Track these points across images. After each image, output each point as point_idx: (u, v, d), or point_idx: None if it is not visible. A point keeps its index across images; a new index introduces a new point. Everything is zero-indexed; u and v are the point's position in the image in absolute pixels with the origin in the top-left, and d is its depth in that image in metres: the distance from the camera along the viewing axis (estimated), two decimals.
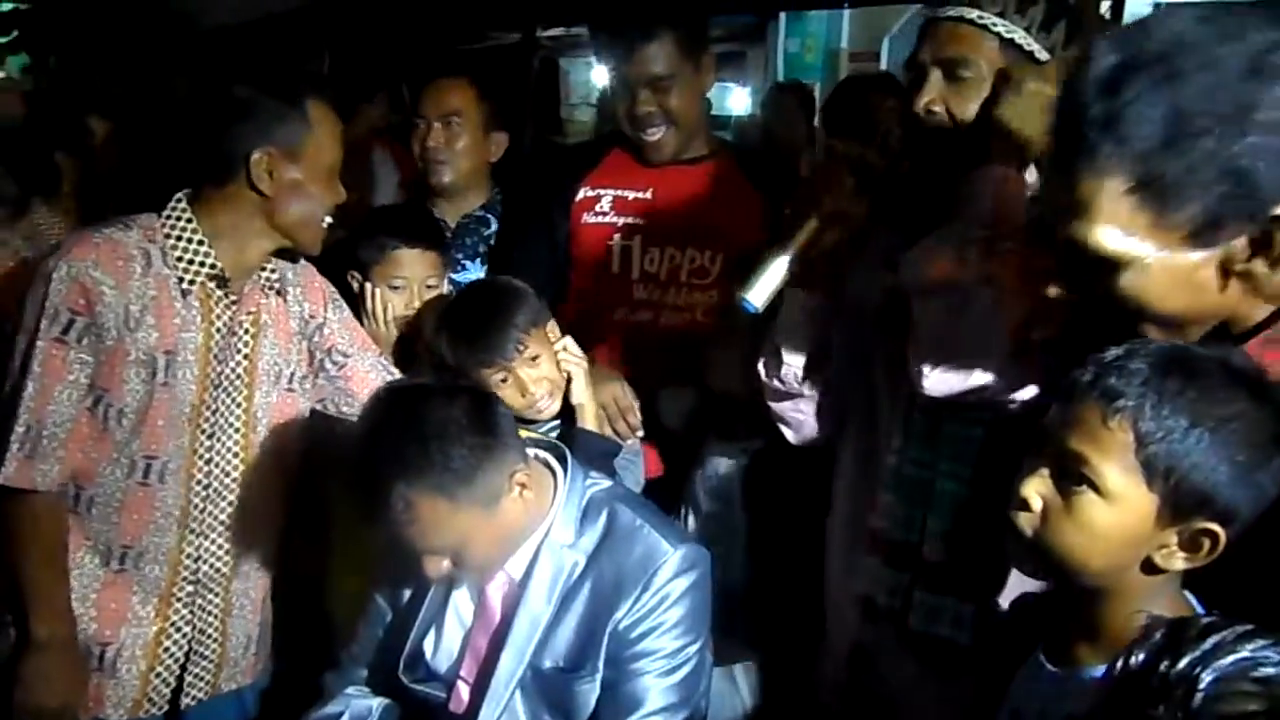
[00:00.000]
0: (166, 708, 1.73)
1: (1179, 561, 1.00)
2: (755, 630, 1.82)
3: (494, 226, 2.29)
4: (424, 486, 1.33)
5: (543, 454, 1.56)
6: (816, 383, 1.61)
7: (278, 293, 1.74)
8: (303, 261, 1.81)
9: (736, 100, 10.22)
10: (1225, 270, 1.01)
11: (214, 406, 1.67)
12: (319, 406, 1.83)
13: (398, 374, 1.87)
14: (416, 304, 1.99)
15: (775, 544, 1.82)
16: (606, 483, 1.58)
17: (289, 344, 1.76)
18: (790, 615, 1.75)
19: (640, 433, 1.98)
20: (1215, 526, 0.97)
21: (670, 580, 1.46)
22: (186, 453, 1.66)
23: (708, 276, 2.10)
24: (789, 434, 1.69)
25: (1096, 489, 0.98)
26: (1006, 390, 1.37)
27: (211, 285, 1.65)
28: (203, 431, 1.67)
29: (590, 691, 1.46)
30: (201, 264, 1.64)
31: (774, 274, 1.46)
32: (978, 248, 1.36)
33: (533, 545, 1.48)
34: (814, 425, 1.67)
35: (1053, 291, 1.13)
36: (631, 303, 2.11)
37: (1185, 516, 0.98)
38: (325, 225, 1.69)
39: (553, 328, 1.86)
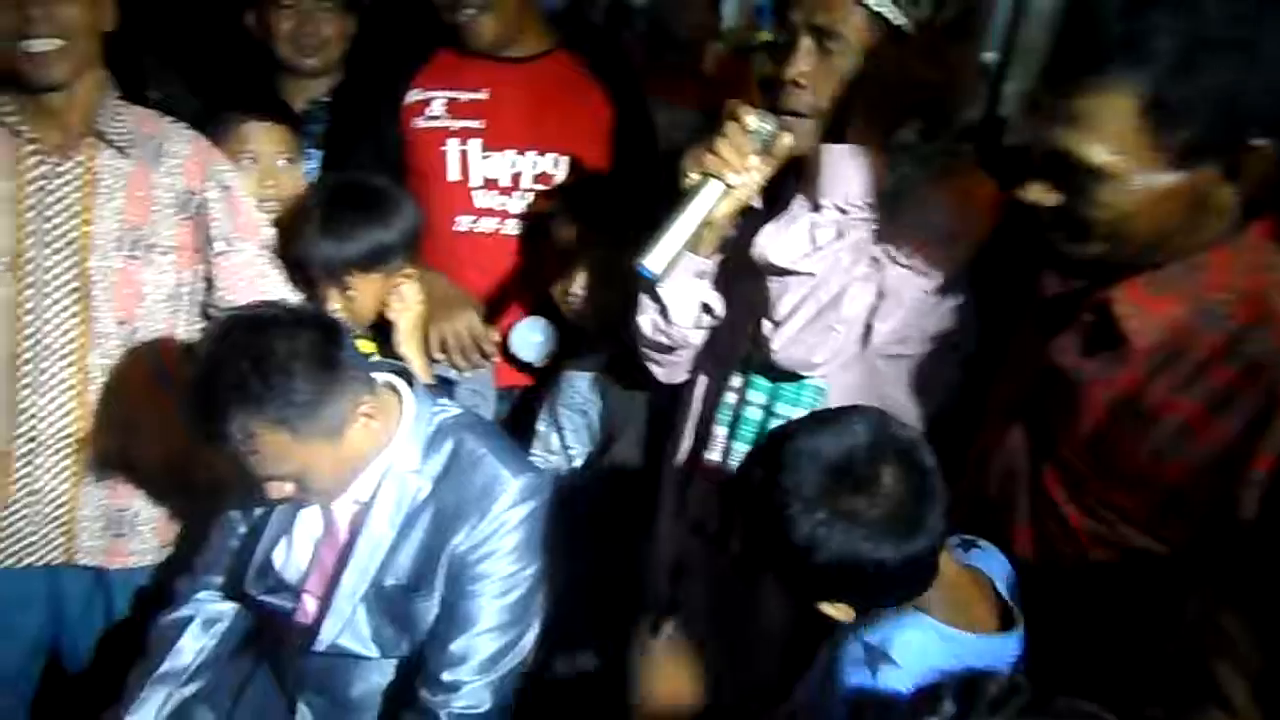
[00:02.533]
0: (23, 564, 1.76)
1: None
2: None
3: None
4: (266, 419, 1.36)
5: (390, 378, 1.61)
6: (697, 337, 1.63)
7: (127, 155, 1.69)
8: (194, 134, 1.78)
9: None
10: (1189, 196, 1.08)
11: (36, 259, 1.66)
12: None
13: (275, 274, 1.85)
14: (271, 183, 1.95)
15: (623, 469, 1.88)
16: (455, 410, 1.65)
17: (145, 211, 1.71)
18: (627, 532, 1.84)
19: (494, 361, 2.01)
20: None
21: (509, 509, 1.55)
22: (8, 303, 1.65)
23: (552, 181, 2.05)
24: (658, 372, 1.71)
25: None
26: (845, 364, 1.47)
27: (17, 139, 1.63)
28: (27, 284, 1.66)
29: (429, 609, 1.56)
30: None
31: (674, 239, 1.44)
32: (826, 231, 1.41)
33: (380, 469, 1.54)
34: (686, 370, 1.70)
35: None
36: (474, 211, 2.04)
37: None
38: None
39: (407, 273, 1.86)
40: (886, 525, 1.07)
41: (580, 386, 1.93)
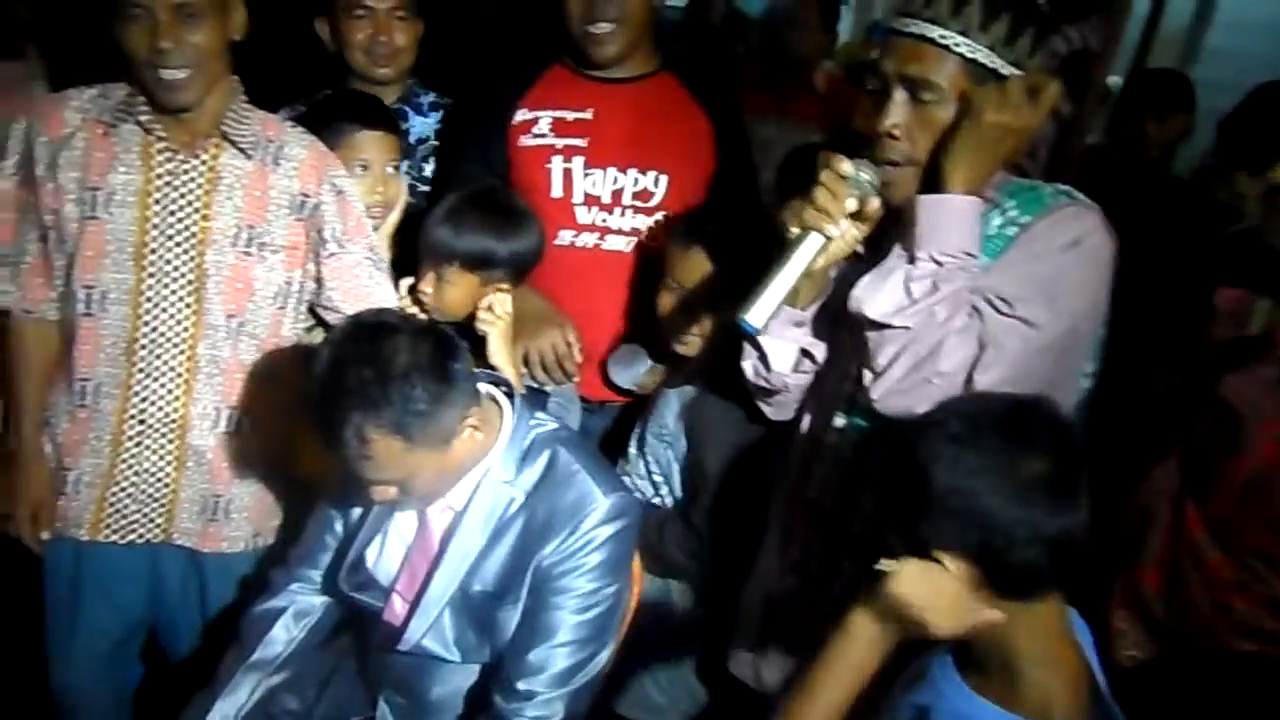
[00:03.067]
0: (125, 540, 1.84)
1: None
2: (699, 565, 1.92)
3: (411, 121, 2.27)
4: (382, 424, 1.39)
5: (492, 390, 1.64)
6: (801, 380, 1.62)
7: (249, 157, 1.76)
8: (312, 139, 1.84)
9: None
10: None
11: (159, 250, 1.73)
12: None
13: (383, 276, 1.91)
14: (380, 189, 2.01)
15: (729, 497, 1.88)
16: (552, 424, 1.67)
17: (262, 211, 1.78)
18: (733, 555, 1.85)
19: (577, 379, 2.03)
20: None
21: (596, 526, 1.56)
22: (132, 290, 1.73)
23: (652, 199, 2.09)
24: (767, 410, 1.70)
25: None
26: None
27: (148, 135, 1.71)
28: (148, 273, 1.73)
29: (511, 617, 1.59)
30: (129, 111, 1.70)
31: (775, 293, 1.42)
32: (921, 284, 1.38)
33: (475, 478, 1.57)
34: (794, 408, 1.69)
35: None
36: (575, 226, 2.09)
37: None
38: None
39: (504, 288, 1.91)
40: (1031, 485, 1.05)
41: (667, 419, 1.94)
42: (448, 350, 1.47)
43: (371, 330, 1.45)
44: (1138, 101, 3.14)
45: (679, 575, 1.94)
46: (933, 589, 1.10)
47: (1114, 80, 3.47)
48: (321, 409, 1.42)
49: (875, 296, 1.40)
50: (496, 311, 1.90)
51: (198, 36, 1.62)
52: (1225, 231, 1.92)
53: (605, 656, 1.62)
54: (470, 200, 1.92)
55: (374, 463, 1.43)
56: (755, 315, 1.41)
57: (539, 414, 1.68)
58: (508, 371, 1.87)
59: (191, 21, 1.60)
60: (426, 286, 1.91)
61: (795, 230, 1.43)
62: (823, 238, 1.42)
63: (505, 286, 1.91)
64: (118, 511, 1.83)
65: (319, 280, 1.87)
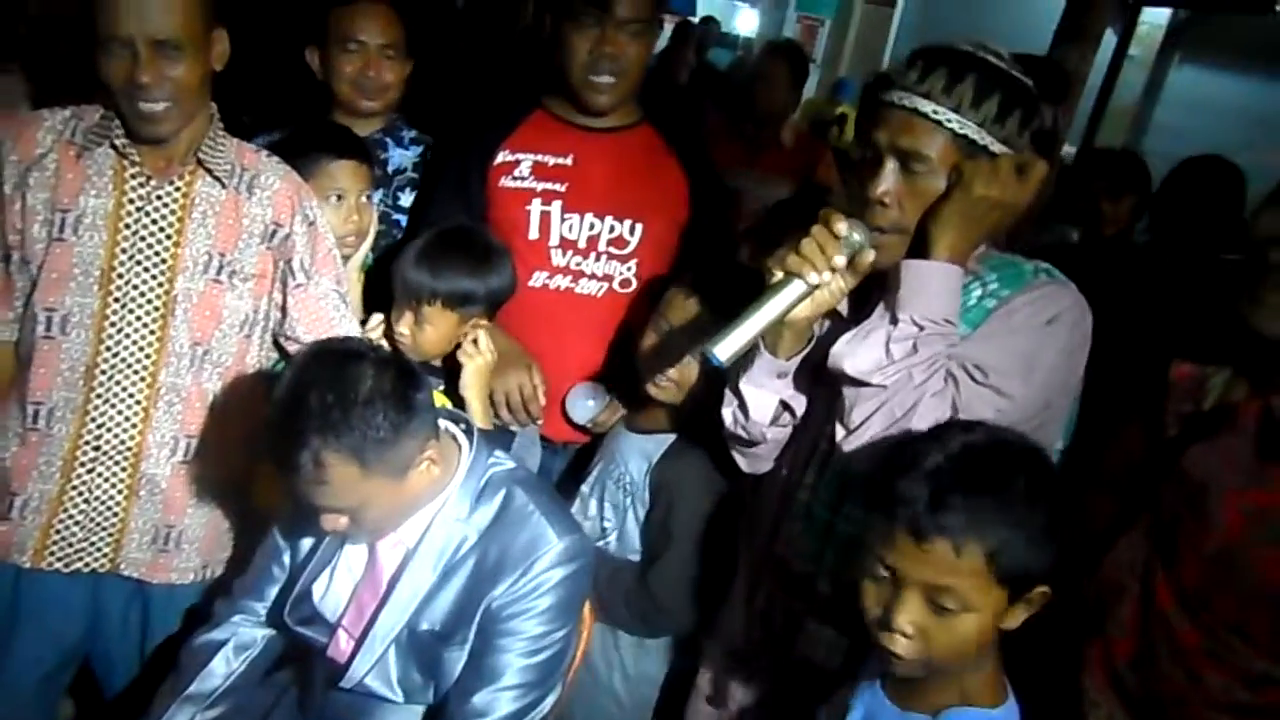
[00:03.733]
0: (69, 568, 1.80)
1: (1021, 618, 1.19)
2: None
3: (390, 152, 2.30)
4: (340, 450, 1.38)
5: (451, 427, 1.63)
6: (775, 434, 1.61)
7: (223, 185, 1.76)
8: (287, 169, 1.85)
9: (744, 21, 10.07)
10: None
11: (126, 276, 1.72)
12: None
13: (348, 310, 1.91)
14: (355, 218, 2.03)
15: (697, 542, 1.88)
16: (509, 464, 1.66)
17: (234, 239, 1.77)
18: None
19: (540, 422, 2.04)
20: (1046, 587, 1.17)
21: (548, 569, 1.55)
22: (95, 314, 1.71)
23: (626, 247, 2.13)
24: (741, 462, 1.69)
25: (969, 608, 1.15)
26: None
27: (122, 160, 1.70)
28: (114, 298, 1.71)
29: (458, 659, 1.57)
30: (104, 134, 1.69)
31: (745, 331, 1.41)
32: (902, 345, 1.39)
33: (429, 513, 1.56)
34: (769, 463, 1.68)
35: None
36: (550, 268, 2.12)
37: (1027, 591, 1.17)
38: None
39: (481, 324, 1.94)
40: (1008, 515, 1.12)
41: (632, 468, 1.93)
42: (411, 381, 1.47)
43: (337, 356, 1.45)
44: (1092, 180, 3.22)
45: (623, 628, 1.94)
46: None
47: (1066, 151, 3.57)
48: (280, 431, 1.41)
49: (855, 353, 1.41)
50: (480, 346, 1.91)
51: (177, 71, 1.62)
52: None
53: (550, 702, 1.60)
54: (446, 239, 1.94)
55: (328, 489, 1.42)
56: (723, 349, 1.40)
57: (498, 453, 1.67)
58: (476, 406, 1.88)
59: (172, 56, 1.61)
60: (404, 327, 1.91)
61: (778, 275, 1.44)
62: (804, 285, 1.42)
63: (484, 322, 1.94)
64: (64, 539, 1.78)
65: (283, 310, 1.87)
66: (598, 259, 2.12)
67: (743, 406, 1.56)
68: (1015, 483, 1.15)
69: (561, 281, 2.12)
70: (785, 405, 1.56)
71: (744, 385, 1.54)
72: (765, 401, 1.55)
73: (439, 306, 1.90)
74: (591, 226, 2.11)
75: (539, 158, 2.12)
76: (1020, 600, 1.17)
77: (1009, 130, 1.41)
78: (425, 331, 1.91)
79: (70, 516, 1.78)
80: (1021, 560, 1.14)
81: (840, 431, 1.45)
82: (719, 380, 1.61)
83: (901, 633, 1.17)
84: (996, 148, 1.40)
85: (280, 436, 1.41)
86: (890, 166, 1.42)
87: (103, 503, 1.78)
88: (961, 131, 1.39)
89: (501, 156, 2.12)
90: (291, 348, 1.88)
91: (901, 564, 1.17)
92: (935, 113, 1.39)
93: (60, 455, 1.75)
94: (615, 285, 2.14)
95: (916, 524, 1.14)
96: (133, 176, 1.71)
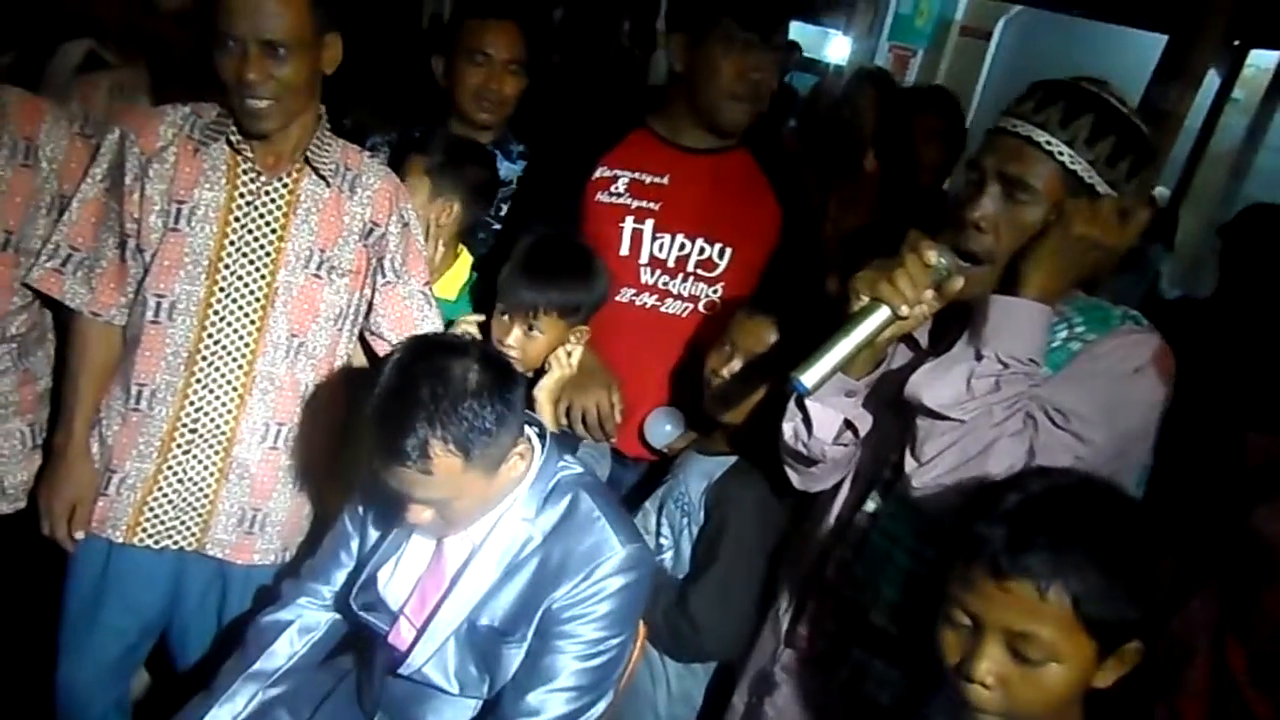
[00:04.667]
0: (159, 545, 1.87)
1: (1113, 677, 1.12)
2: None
3: (499, 164, 2.33)
4: (447, 441, 1.40)
5: (527, 428, 1.64)
6: (836, 453, 1.59)
7: (328, 183, 1.82)
8: (387, 171, 1.92)
9: (835, 48, 10.02)
10: None
11: (232, 267, 1.78)
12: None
13: (433, 311, 1.97)
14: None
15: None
16: (578, 469, 1.67)
17: (335, 235, 1.83)
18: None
19: (614, 440, 2.05)
20: (1139, 643, 1.11)
21: (609, 575, 1.55)
22: (201, 302, 1.78)
23: (715, 269, 2.14)
24: (795, 479, 1.68)
25: (1055, 658, 1.09)
26: None
27: (236, 155, 1.77)
28: (219, 288, 1.78)
29: (515, 656, 1.58)
30: (220, 130, 1.77)
31: (832, 358, 1.38)
32: (984, 381, 1.36)
33: (498, 511, 1.58)
34: (824, 484, 1.67)
35: None
36: (638, 285, 2.14)
37: (1119, 644, 1.11)
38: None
39: (583, 331, 1.98)
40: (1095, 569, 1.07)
41: (692, 488, 1.93)
42: (510, 377, 1.50)
43: (444, 349, 1.48)
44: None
45: (657, 646, 1.92)
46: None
47: (1161, 191, 3.45)
48: (386, 421, 1.42)
49: (935, 385, 1.39)
50: (571, 358, 1.96)
51: (283, 71, 1.69)
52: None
53: (602, 707, 1.60)
54: (551, 250, 1.97)
55: (430, 479, 1.43)
56: (809, 376, 1.38)
57: (568, 457, 1.69)
58: (547, 410, 1.90)
59: (279, 56, 1.68)
60: (514, 340, 1.95)
61: (865, 299, 1.41)
62: (890, 313, 1.40)
63: (587, 330, 1.98)
64: (155, 517, 1.86)
65: (370, 305, 1.93)
66: (685, 280, 2.14)
67: (806, 422, 1.55)
68: (1104, 525, 1.10)
69: (648, 299, 2.14)
70: (849, 424, 1.54)
71: (810, 401, 1.52)
72: (830, 419, 1.53)
73: (554, 317, 1.95)
74: (682, 247, 2.13)
75: (636, 175, 2.14)
76: (1112, 655, 1.11)
77: (1118, 173, 1.39)
78: (536, 342, 1.96)
79: (164, 495, 1.85)
80: (1112, 608, 1.07)
81: (910, 463, 1.42)
82: (780, 402, 1.59)
83: (982, 683, 1.12)
84: (1102, 189, 1.38)
85: (385, 427, 1.42)
86: (993, 191, 1.41)
87: (195, 484, 1.85)
88: (1071, 166, 1.37)
89: (600, 171, 2.14)
90: (375, 343, 1.94)
91: (981, 608, 1.12)
92: (1049, 144, 1.37)
93: (158, 436, 1.83)
94: (700, 307, 2.15)
95: (996, 563, 1.09)
96: (244, 172, 1.78)
